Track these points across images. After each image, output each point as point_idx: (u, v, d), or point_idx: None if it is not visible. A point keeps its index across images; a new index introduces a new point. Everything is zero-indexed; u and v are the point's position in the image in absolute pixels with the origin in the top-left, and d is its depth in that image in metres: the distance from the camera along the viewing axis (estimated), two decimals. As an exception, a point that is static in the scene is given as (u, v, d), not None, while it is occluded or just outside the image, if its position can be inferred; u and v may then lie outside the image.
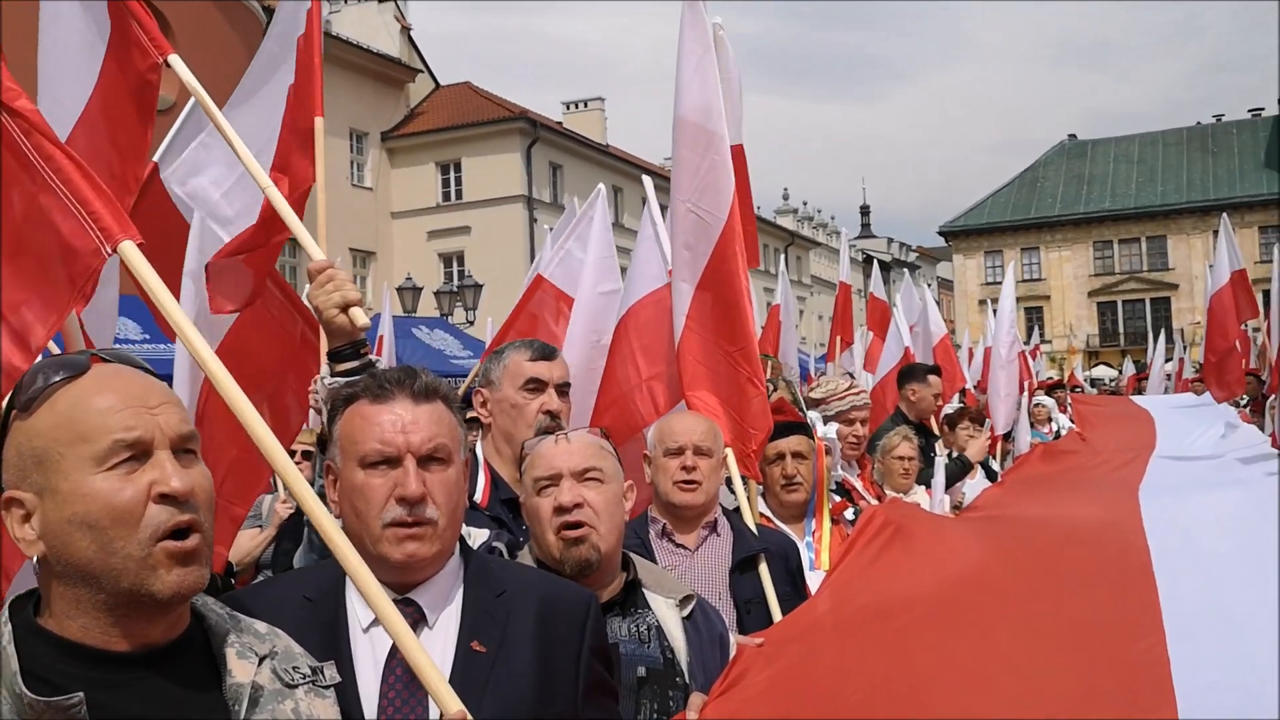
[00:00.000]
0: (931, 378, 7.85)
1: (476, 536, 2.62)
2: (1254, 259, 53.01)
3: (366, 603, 1.88)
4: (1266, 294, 13.39)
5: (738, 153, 4.88)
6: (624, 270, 8.21)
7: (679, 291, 4.23)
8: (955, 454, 7.70)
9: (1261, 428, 10.60)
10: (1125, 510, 4.92)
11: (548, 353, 3.53)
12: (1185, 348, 24.81)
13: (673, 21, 4.34)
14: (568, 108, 45.74)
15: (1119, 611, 3.12)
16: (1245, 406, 12.73)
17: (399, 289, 23.06)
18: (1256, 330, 15.42)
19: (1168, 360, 23.62)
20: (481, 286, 24.99)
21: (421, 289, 25.35)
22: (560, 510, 2.55)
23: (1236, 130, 67.26)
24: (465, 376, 7.97)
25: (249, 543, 5.90)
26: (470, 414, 4.19)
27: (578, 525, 2.55)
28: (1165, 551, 3.85)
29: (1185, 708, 2.35)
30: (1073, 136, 73.48)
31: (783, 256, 18.15)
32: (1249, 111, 68.72)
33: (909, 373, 7.94)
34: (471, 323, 23.96)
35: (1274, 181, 61.18)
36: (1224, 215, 12.70)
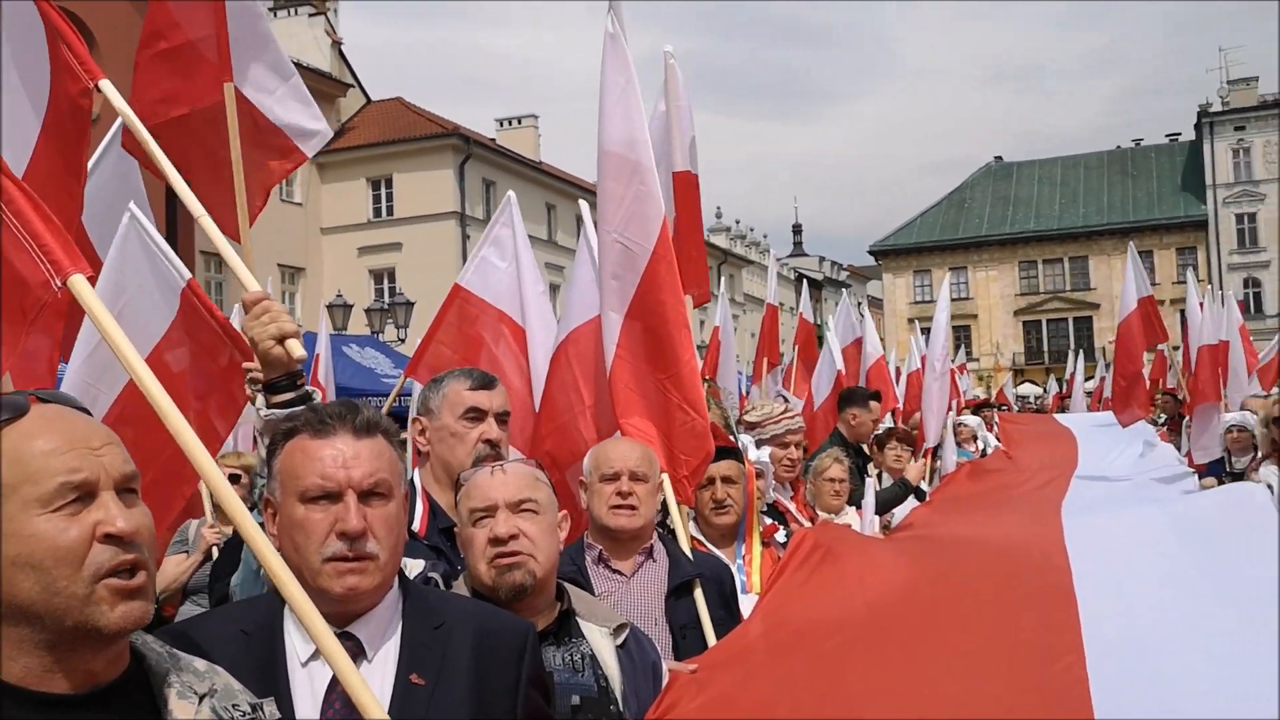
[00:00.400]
0: (872, 403, 8.02)
1: (412, 567, 2.62)
2: (1171, 279, 54.71)
3: (309, 635, 1.89)
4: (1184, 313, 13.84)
5: (690, 180, 4.95)
6: (555, 287, 8.16)
7: (608, 321, 4.28)
8: (885, 476, 7.85)
9: (1178, 446, 10.94)
10: (1048, 529, 5.05)
11: (487, 382, 3.54)
12: (1107, 366, 25.40)
13: (594, 35, 4.40)
14: (501, 124, 45.68)
15: (1041, 631, 3.21)
16: (1163, 425, 13.11)
17: (329, 306, 22.82)
18: (1176, 349, 15.86)
19: (1088, 379, 24.20)
20: (413, 304, 24.79)
21: (352, 306, 25.08)
22: (496, 541, 2.57)
23: (1155, 154, 69.25)
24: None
25: (175, 569, 5.81)
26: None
27: (513, 555, 2.56)
28: (1085, 570, 3.96)
29: (1104, 725, 2.43)
30: (999, 159, 75.07)
31: (719, 278, 18.24)
32: (1166, 136, 70.88)
33: (850, 397, 8.07)
34: (403, 340, 23.75)
35: (1190, 204, 63.14)
36: (1130, 244, 13.11)
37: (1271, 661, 2.95)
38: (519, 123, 45.58)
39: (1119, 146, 72.16)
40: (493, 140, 42.82)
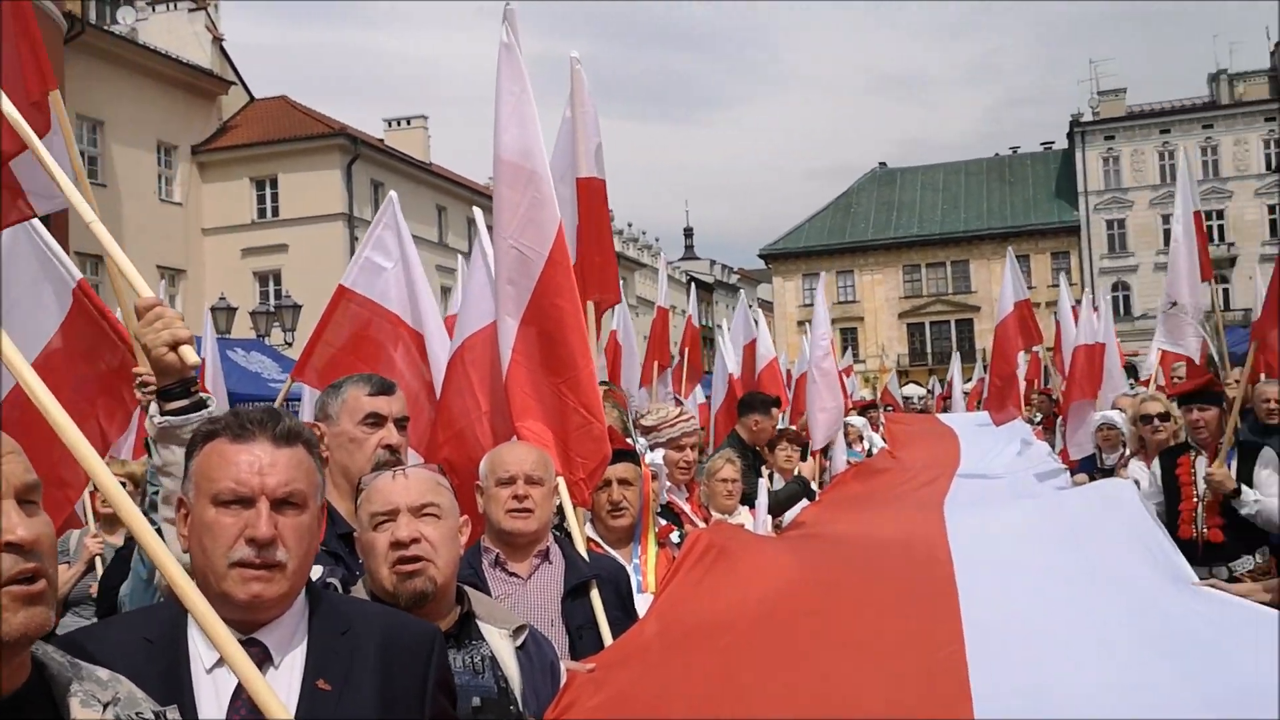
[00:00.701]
0: (774, 410, 8.21)
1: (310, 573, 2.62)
2: (1047, 283, 56.70)
3: (211, 643, 1.88)
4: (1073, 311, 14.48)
5: (595, 186, 5.00)
6: (446, 290, 8.08)
7: (504, 326, 4.33)
8: (777, 477, 8.03)
9: (1052, 444, 11.40)
10: (931, 525, 5.27)
11: (386, 387, 3.54)
12: (986, 367, 26.22)
13: (497, 41, 4.41)
14: (389, 125, 45.10)
15: (924, 621, 3.36)
16: (1039, 424, 13.63)
17: (213, 309, 22.23)
18: (1049, 350, 16.47)
19: (967, 380, 25.01)
20: (300, 307, 24.31)
21: (236, 309, 24.49)
22: (397, 545, 2.58)
23: (1030, 162, 71.68)
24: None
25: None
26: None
27: (414, 560, 2.58)
28: (966, 562, 4.16)
29: (981, 709, 2.55)
30: (883, 165, 76.84)
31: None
32: (1041, 145, 73.36)
33: (751, 404, 8.20)
34: (290, 344, 23.28)
35: (1064, 210, 65.59)
36: (1009, 249, 13.69)
37: (1134, 637, 3.16)
38: (408, 123, 45.07)
39: (997, 154, 74.52)
40: (381, 141, 42.29)
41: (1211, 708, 2.55)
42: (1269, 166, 60.35)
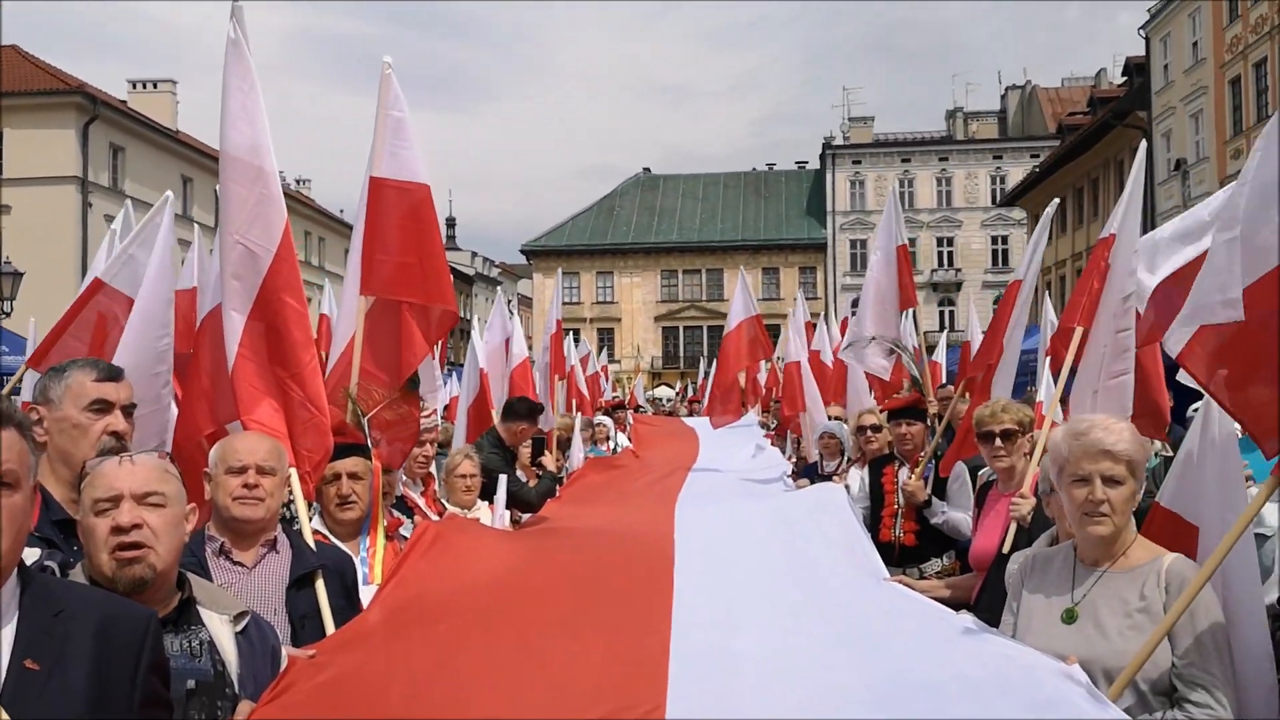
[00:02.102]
0: (538, 417, 8.40)
1: (26, 556, 2.57)
2: (792, 295, 59.71)
3: None
4: (810, 326, 15.38)
5: (394, 187, 4.99)
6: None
7: (230, 320, 4.32)
8: (521, 473, 8.21)
9: (783, 449, 12.09)
10: (662, 520, 5.59)
11: (114, 373, 3.50)
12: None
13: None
14: (134, 86, 42.53)
15: (639, 610, 3.61)
16: (773, 430, 14.38)
17: (-81, 273, 20.34)
18: (780, 359, 17.37)
19: (717, 385, 26.00)
20: (22, 275, 22.57)
21: (-53, 274, 22.46)
22: (118, 531, 2.58)
23: (785, 179, 75.26)
24: None
25: None
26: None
27: (135, 546, 2.59)
28: (687, 555, 4.47)
29: (674, 697, 2.78)
30: (647, 170, 78.68)
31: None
32: (796, 163, 77.15)
33: (515, 411, 8.31)
34: (8, 314, 21.58)
35: (813, 227, 69.14)
36: (741, 269, 14.44)
37: (820, 625, 3.51)
38: (154, 86, 42.67)
39: (754, 169, 77.76)
40: (124, 102, 39.82)
41: (870, 688, 2.89)
42: (994, 201, 65.69)
